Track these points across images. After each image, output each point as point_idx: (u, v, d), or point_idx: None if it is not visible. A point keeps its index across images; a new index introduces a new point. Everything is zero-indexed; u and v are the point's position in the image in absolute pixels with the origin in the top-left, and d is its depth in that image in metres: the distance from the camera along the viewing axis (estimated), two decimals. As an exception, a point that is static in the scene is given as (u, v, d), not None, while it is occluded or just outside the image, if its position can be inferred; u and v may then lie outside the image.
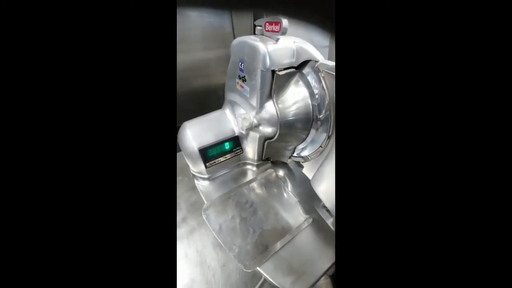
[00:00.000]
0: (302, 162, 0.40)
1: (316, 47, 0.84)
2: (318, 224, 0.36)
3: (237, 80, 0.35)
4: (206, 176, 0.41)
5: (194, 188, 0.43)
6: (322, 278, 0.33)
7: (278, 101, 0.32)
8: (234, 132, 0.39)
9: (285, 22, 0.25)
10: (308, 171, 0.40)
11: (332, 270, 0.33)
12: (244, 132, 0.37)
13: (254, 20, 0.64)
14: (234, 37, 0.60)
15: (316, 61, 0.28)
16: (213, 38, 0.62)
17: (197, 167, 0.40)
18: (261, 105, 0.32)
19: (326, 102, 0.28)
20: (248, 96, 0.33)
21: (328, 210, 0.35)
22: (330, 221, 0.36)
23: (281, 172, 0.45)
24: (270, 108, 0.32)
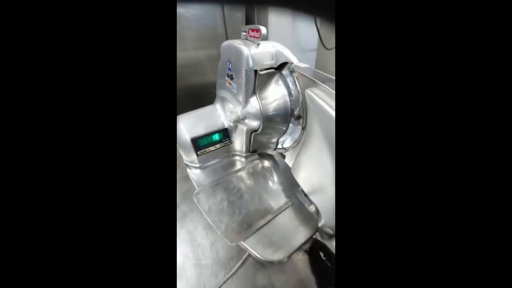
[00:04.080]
0: (284, 153, 0.45)
1: (305, 50, 0.88)
2: (297, 207, 0.41)
3: (226, 78, 0.39)
4: (197, 165, 0.45)
5: (186, 177, 0.47)
6: (300, 254, 0.38)
7: (261, 97, 0.36)
8: (224, 125, 0.43)
9: (263, 29, 0.30)
10: (289, 160, 0.44)
11: (307, 246, 0.37)
12: (232, 124, 0.41)
13: (246, 23, 0.68)
14: (226, 36, 0.64)
15: (292, 63, 0.32)
16: (206, 38, 0.65)
17: (189, 157, 0.44)
18: (246, 100, 0.36)
19: (300, 99, 0.33)
20: (235, 92, 0.38)
21: (306, 195, 0.39)
22: (312, 208, 0.41)
23: (266, 163, 0.50)
24: (254, 103, 0.37)
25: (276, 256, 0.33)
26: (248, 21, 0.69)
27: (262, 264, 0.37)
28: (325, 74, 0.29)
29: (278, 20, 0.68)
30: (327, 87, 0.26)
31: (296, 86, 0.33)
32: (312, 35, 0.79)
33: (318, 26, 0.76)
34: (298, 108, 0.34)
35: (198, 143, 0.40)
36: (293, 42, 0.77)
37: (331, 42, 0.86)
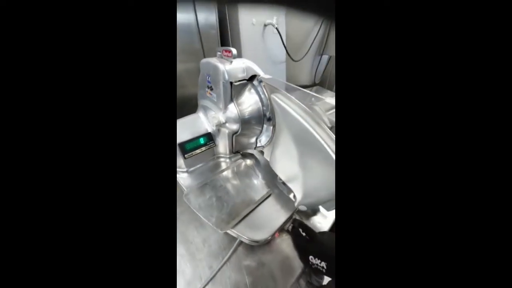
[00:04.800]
0: (262, 149, 0.52)
1: (275, 62, 1.01)
2: (277, 195, 0.48)
3: (207, 89, 0.45)
4: (185, 169, 0.49)
5: (174, 182, 0.50)
6: (283, 235, 0.44)
7: (238, 104, 0.43)
8: (207, 130, 0.48)
9: (234, 50, 0.37)
10: (267, 155, 0.51)
11: (289, 226, 0.44)
12: (214, 128, 0.47)
13: (221, 39, 0.75)
14: (203, 52, 0.71)
15: (259, 75, 0.41)
16: (184, 53, 0.70)
17: (177, 162, 0.47)
18: (226, 107, 0.43)
19: (269, 103, 0.41)
20: (215, 100, 0.44)
21: (284, 183, 0.46)
22: (291, 195, 0.48)
23: (249, 162, 0.56)
24: (232, 109, 0.43)
25: (262, 236, 0.39)
26: (222, 37, 0.77)
27: (252, 249, 0.41)
28: (284, 82, 0.37)
29: (249, 38, 0.78)
30: (286, 92, 0.34)
31: (264, 93, 0.41)
32: (280, 50, 0.91)
33: (284, 42, 0.89)
34: (268, 112, 0.42)
35: (185, 147, 0.45)
36: (264, 57, 0.88)
37: (297, 55, 1.00)
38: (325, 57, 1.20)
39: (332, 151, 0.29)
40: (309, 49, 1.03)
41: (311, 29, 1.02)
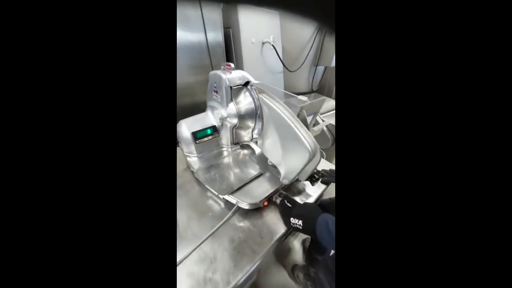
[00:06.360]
0: (256, 140, 0.65)
1: (274, 73, 1.19)
2: (267, 176, 0.60)
3: (213, 93, 0.60)
4: (195, 154, 0.63)
5: (186, 170, 0.64)
6: (272, 207, 0.55)
7: (236, 103, 0.58)
8: (213, 124, 0.62)
9: (232, 65, 0.53)
10: (260, 144, 0.64)
11: (276, 199, 0.54)
12: (219, 122, 0.61)
13: (226, 55, 0.92)
14: (211, 66, 0.87)
15: (251, 81, 0.55)
16: (195, 67, 0.87)
17: (190, 148, 0.61)
18: (227, 105, 0.57)
19: (259, 103, 0.55)
20: (220, 101, 0.59)
21: (274, 166, 0.58)
22: (280, 177, 0.59)
23: (246, 151, 0.69)
24: (232, 107, 0.58)
25: (255, 200, 0.50)
26: (227, 54, 0.94)
27: (246, 215, 0.53)
28: (269, 85, 0.51)
29: (250, 54, 0.95)
30: (269, 92, 0.48)
31: (256, 95, 0.55)
32: (277, 62, 1.07)
33: (281, 56, 1.05)
34: (259, 111, 0.56)
35: (196, 135, 0.59)
36: (264, 69, 1.05)
37: (294, 66, 1.15)
38: (320, 68, 1.35)
39: (300, 132, 0.42)
40: (304, 61, 1.18)
41: (305, 44, 1.18)
